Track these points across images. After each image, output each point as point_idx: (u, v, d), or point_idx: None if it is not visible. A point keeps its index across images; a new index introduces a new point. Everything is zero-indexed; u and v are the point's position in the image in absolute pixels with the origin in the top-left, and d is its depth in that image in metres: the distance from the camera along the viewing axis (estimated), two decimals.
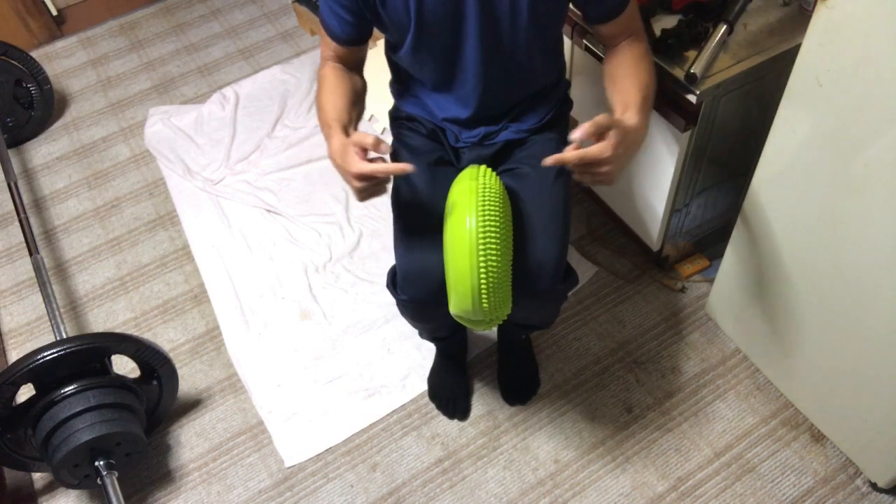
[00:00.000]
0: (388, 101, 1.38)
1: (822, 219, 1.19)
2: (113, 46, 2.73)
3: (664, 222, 1.63)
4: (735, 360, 1.65)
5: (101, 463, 1.43)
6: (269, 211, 2.08)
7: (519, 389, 1.64)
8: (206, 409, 1.71)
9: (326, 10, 1.15)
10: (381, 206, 2.03)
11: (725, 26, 1.30)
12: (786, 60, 1.28)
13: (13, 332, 1.92)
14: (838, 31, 0.99)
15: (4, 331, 1.93)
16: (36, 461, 1.52)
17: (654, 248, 1.74)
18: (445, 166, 1.28)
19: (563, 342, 1.72)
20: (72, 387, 1.40)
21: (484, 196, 1.04)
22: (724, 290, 1.61)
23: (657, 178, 1.54)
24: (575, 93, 1.52)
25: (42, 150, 2.38)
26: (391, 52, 1.23)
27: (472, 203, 1.03)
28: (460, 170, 1.16)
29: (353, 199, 2.07)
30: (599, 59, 1.45)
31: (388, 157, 1.27)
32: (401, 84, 1.31)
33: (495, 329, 1.67)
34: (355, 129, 1.13)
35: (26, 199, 2.22)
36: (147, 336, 1.77)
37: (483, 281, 1.01)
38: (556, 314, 1.42)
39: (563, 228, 1.22)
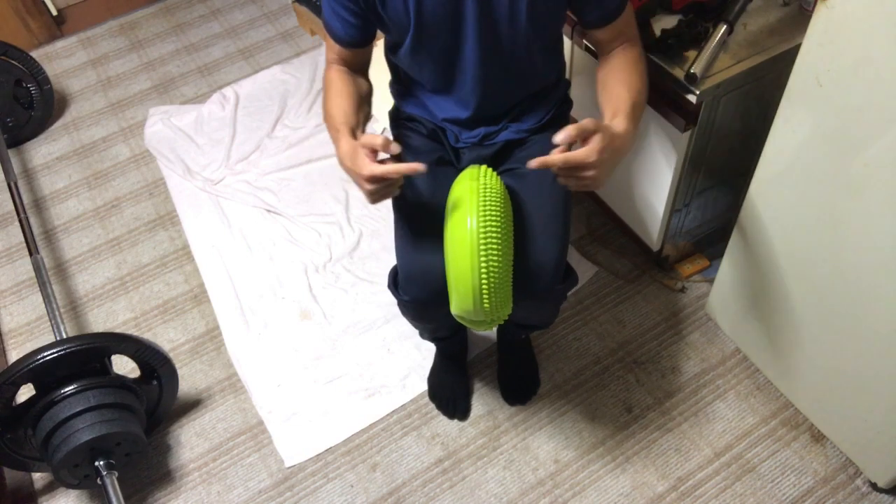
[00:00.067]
0: (388, 102, 1.38)
1: (822, 219, 1.19)
2: (113, 46, 2.73)
3: (664, 222, 1.63)
4: (735, 360, 1.65)
5: (101, 463, 1.43)
6: (269, 211, 2.08)
7: (519, 389, 1.64)
8: (206, 409, 1.71)
9: (330, 12, 1.15)
10: (382, 206, 2.03)
11: (725, 26, 1.30)
12: (786, 60, 1.28)
13: (13, 332, 1.92)
14: (838, 31, 0.99)
15: (4, 331, 1.93)
16: (36, 461, 1.52)
17: (654, 248, 1.74)
18: (446, 166, 1.28)
19: (563, 342, 1.72)
20: (72, 387, 1.40)
21: (485, 196, 1.04)
22: (724, 290, 1.61)
23: (657, 177, 1.54)
24: (575, 93, 1.52)
25: (42, 150, 2.38)
26: (391, 53, 1.23)
27: (472, 203, 1.03)
28: (460, 170, 1.16)
29: (353, 199, 2.07)
30: None
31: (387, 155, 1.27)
32: (401, 84, 1.31)
33: (495, 329, 1.67)
34: (363, 131, 1.12)
35: (26, 199, 2.22)
36: (147, 336, 1.77)
37: (484, 281, 1.01)
38: (556, 314, 1.42)
39: (563, 228, 1.22)
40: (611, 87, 1.13)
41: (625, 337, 1.72)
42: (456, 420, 1.62)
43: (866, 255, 1.14)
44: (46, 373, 1.39)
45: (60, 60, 2.70)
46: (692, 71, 1.26)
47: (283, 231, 2.02)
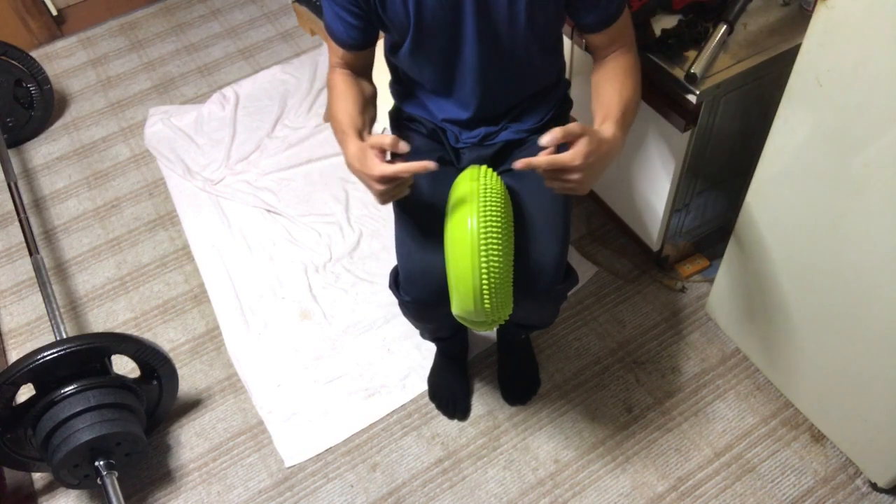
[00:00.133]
0: (388, 102, 1.38)
1: (821, 219, 1.19)
2: (113, 46, 2.73)
3: (664, 222, 1.63)
4: (735, 360, 1.65)
5: (101, 463, 1.43)
6: (269, 211, 2.08)
7: (519, 389, 1.64)
8: (206, 409, 1.71)
9: (331, 15, 1.15)
10: (381, 206, 2.03)
11: (725, 26, 1.30)
12: (786, 60, 1.28)
13: (13, 332, 1.92)
14: (838, 31, 0.99)
15: (4, 331, 1.93)
16: (36, 461, 1.52)
17: (654, 248, 1.74)
18: (446, 166, 1.28)
19: (563, 342, 1.72)
20: (72, 387, 1.40)
21: (485, 196, 1.04)
22: (724, 290, 1.61)
23: (657, 178, 1.55)
24: (575, 93, 1.51)
25: (42, 150, 2.38)
26: (391, 54, 1.23)
27: (473, 203, 1.03)
28: (461, 170, 1.16)
29: (353, 199, 2.07)
30: None
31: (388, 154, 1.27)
32: (401, 85, 1.31)
33: (495, 329, 1.67)
34: (370, 133, 1.12)
35: (26, 199, 2.22)
36: (147, 336, 1.77)
37: (485, 282, 1.01)
38: (556, 314, 1.42)
39: (564, 228, 1.22)
40: (602, 93, 1.13)
41: (625, 337, 1.72)
42: (456, 420, 1.62)
43: (866, 255, 1.14)
44: (46, 373, 1.39)
45: (60, 60, 2.70)
46: (692, 71, 1.26)
47: (283, 231, 2.02)
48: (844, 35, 0.99)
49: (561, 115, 1.33)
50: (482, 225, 1.01)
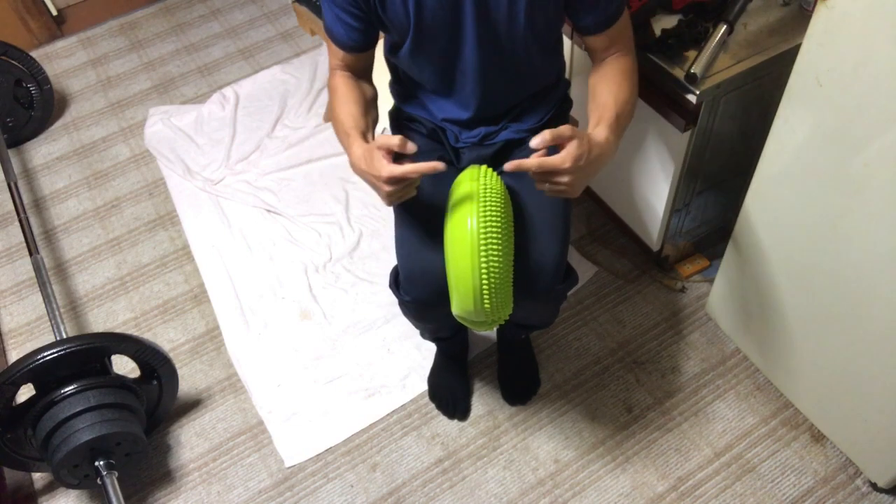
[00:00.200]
0: (388, 102, 1.38)
1: (821, 219, 1.19)
2: (113, 46, 2.73)
3: (664, 222, 1.63)
4: (735, 360, 1.65)
5: (101, 463, 1.43)
6: (269, 211, 2.08)
7: (519, 389, 1.64)
8: (206, 409, 1.71)
9: (332, 17, 1.14)
10: (381, 206, 2.03)
11: (725, 26, 1.30)
12: (786, 60, 1.28)
13: (13, 332, 1.92)
14: (838, 31, 0.99)
15: (4, 331, 1.93)
16: (36, 461, 1.52)
17: (654, 248, 1.74)
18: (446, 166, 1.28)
19: (563, 342, 1.72)
20: (72, 387, 1.40)
21: (485, 196, 1.04)
22: (724, 290, 1.61)
23: (657, 178, 1.55)
24: (575, 93, 1.51)
25: (42, 150, 2.38)
26: (391, 54, 1.23)
27: (473, 203, 1.02)
28: (461, 170, 1.16)
29: (353, 199, 2.07)
30: None
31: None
32: (401, 85, 1.31)
33: (495, 329, 1.67)
34: (373, 135, 1.12)
35: (26, 199, 2.22)
36: (147, 336, 1.77)
37: (485, 282, 1.01)
38: (556, 314, 1.42)
39: (564, 228, 1.22)
40: (598, 95, 1.12)
41: (625, 337, 1.72)
42: (456, 420, 1.62)
43: (866, 255, 1.14)
44: (46, 373, 1.39)
45: (60, 60, 2.70)
46: (692, 71, 1.26)
47: (283, 231, 2.02)
48: (844, 35, 0.99)
49: (561, 115, 1.34)
50: (482, 225, 1.01)
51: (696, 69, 1.26)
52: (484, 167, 1.11)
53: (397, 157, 1.03)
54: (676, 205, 1.59)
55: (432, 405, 1.65)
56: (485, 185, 1.06)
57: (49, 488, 1.61)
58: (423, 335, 1.56)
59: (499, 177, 1.12)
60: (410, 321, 1.40)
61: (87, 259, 2.05)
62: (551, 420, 1.60)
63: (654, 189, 1.58)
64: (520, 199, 1.22)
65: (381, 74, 1.32)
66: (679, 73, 1.29)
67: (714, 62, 1.29)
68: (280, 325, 1.82)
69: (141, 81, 2.57)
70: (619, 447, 1.55)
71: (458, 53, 1.14)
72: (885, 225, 1.08)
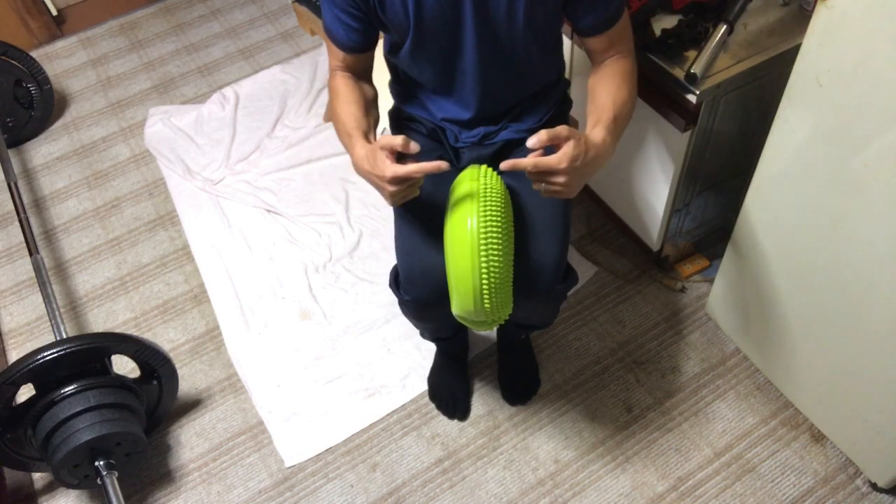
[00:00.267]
0: (388, 102, 1.38)
1: (821, 219, 1.19)
2: (113, 46, 2.73)
3: (664, 222, 1.63)
4: (735, 360, 1.65)
5: (101, 463, 1.43)
6: (269, 211, 2.08)
7: (519, 389, 1.64)
8: (206, 409, 1.71)
9: (331, 18, 1.14)
10: (382, 206, 2.03)
11: (725, 26, 1.30)
12: (786, 60, 1.28)
13: (13, 332, 1.92)
14: (838, 31, 0.99)
15: (4, 331, 1.93)
16: (36, 461, 1.52)
17: (654, 248, 1.74)
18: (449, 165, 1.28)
19: (563, 342, 1.72)
20: (72, 387, 1.40)
21: (485, 196, 1.04)
22: (723, 290, 1.61)
23: (657, 178, 1.55)
24: (575, 93, 1.52)
25: (42, 150, 2.38)
26: (391, 54, 1.23)
27: (473, 203, 1.03)
28: (460, 169, 1.16)
29: (353, 199, 2.07)
30: None
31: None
32: (401, 85, 1.31)
33: (495, 329, 1.67)
34: (375, 136, 1.12)
35: (26, 199, 2.22)
36: (147, 336, 1.77)
37: (485, 281, 1.01)
38: (556, 314, 1.42)
39: (564, 228, 1.22)
40: (597, 97, 1.12)
41: (625, 337, 1.72)
42: (456, 420, 1.62)
43: (866, 255, 1.14)
44: (46, 373, 1.39)
45: (60, 60, 2.70)
46: (692, 71, 1.26)
47: (283, 231, 2.02)
48: (844, 35, 0.99)
49: (561, 114, 1.34)
50: (482, 225, 1.01)
51: (696, 69, 1.26)
52: (484, 167, 1.11)
53: (400, 157, 1.03)
54: (676, 205, 1.59)
55: (432, 405, 1.65)
56: (485, 184, 1.06)
57: (49, 488, 1.61)
58: (423, 335, 1.56)
59: (499, 176, 1.12)
60: (410, 321, 1.40)
61: (87, 259, 2.05)
62: (551, 420, 1.60)
63: (654, 189, 1.58)
64: (520, 198, 1.22)
65: (381, 74, 1.32)
66: (679, 73, 1.29)
67: (714, 62, 1.29)
68: (280, 325, 1.82)
69: (141, 81, 2.57)
70: (619, 447, 1.55)
71: (457, 53, 1.14)
72: (885, 225, 1.08)
